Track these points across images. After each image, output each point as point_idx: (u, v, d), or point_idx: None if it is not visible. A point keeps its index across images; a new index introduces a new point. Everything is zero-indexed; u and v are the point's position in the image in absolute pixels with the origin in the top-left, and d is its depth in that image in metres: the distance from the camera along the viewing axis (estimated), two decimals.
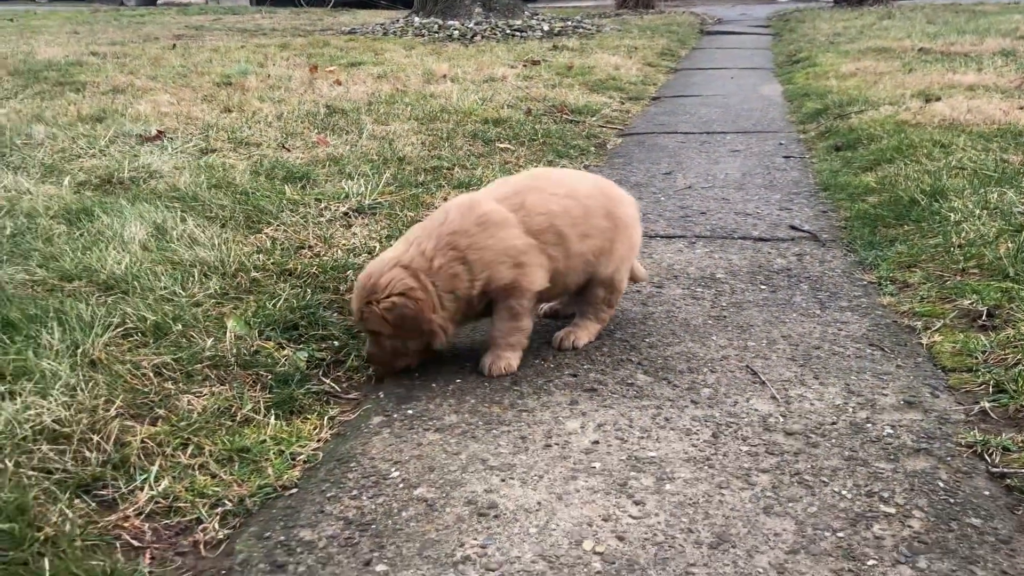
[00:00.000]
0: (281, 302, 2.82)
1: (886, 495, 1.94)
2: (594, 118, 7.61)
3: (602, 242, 2.70)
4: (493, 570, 1.72)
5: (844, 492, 1.96)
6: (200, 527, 1.88)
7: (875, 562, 1.72)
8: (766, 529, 1.83)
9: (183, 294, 2.81)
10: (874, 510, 1.89)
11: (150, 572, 1.73)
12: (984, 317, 2.83)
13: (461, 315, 2.59)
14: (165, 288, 2.84)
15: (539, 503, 1.95)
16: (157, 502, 1.93)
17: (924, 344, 2.76)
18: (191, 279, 2.93)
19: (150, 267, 2.96)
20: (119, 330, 2.50)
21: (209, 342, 2.51)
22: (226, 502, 1.96)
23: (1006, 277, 3.05)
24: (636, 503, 1.94)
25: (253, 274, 3.04)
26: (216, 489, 1.99)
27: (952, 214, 3.76)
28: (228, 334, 2.56)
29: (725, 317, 3.05)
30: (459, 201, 2.63)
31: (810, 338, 2.84)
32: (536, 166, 5.52)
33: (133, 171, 4.29)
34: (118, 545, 1.79)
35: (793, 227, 4.21)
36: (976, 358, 2.58)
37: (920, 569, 1.69)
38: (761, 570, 1.70)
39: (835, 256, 3.71)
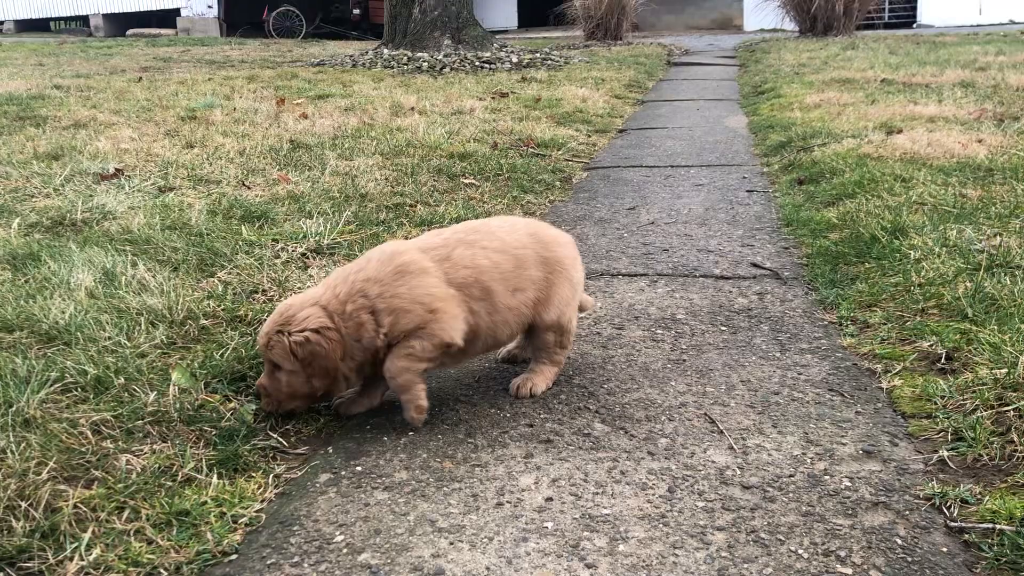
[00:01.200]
0: (229, 352, 2.75)
1: (843, 554, 1.90)
2: (560, 151, 7.61)
3: (537, 293, 2.66)
4: None
5: (800, 551, 1.91)
6: None
7: None
8: None
9: (128, 344, 2.73)
10: (831, 570, 1.84)
11: None
12: (943, 360, 2.81)
13: (368, 366, 2.54)
14: (109, 338, 2.76)
15: (487, 568, 1.88)
16: (87, 573, 1.84)
17: (884, 388, 2.73)
18: (137, 328, 2.85)
19: (95, 316, 2.88)
20: (57, 385, 2.42)
21: (151, 396, 2.43)
22: (162, 571, 1.88)
23: (964, 318, 3.04)
24: (588, 566, 1.88)
25: (202, 321, 2.97)
26: (152, 556, 1.91)
27: (912, 252, 3.76)
28: (172, 387, 2.48)
29: (684, 361, 3.01)
30: (382, 249, 2.60)
31: (769, 383, 2.80)
32: (501, 202, 5.50)
33: (86, 212, 4.21)
34: None
35: (755, 264, 4.20)
36: (935, 403, 2.55)
37: None
38: None
39: (796, 295, 3.69)
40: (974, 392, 2.52)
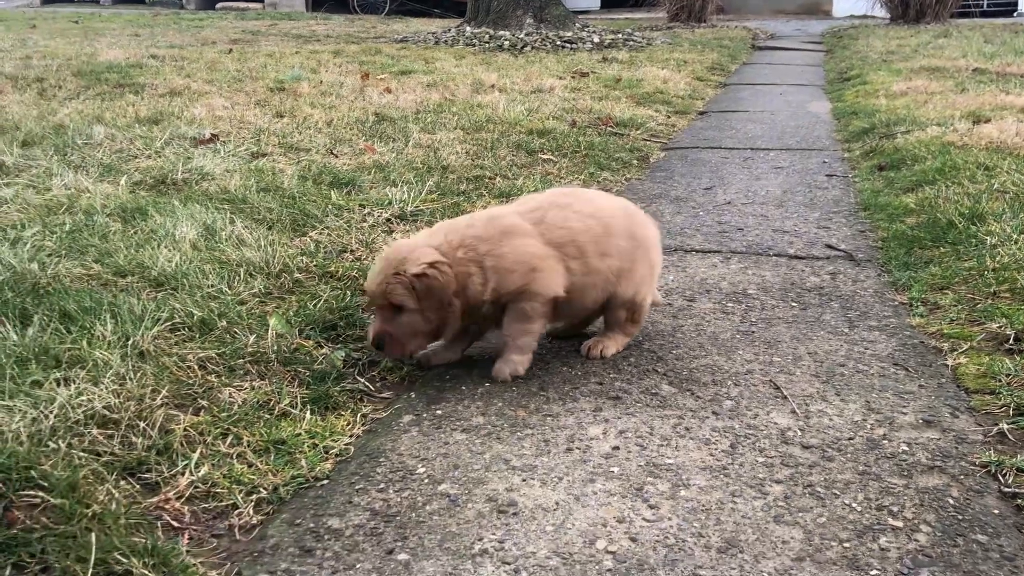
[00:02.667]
0: (321, 303, 2.94)
1: (895, 509, 1.99)
2: (639, 131, 7.67)
3: (622, 262, 2.78)
4: (509, 563, 1.80)
5: (854, 505, 2.01)
6: (236, 512, 1.99)
7: (878, 572, 1.77)
8: (775, 537, 1.90)
9: (229, 292, 2.94)
10: (882, 523, 1.94)
11: (188, 551, 1.84)
12: (1011, 341, 2.85)
13: (467, 318, 2.68)
14: (212, 286, 2.97)
15: (557, 503, 2.03)
16: (196, 487, 2.04)
17: (949, 365, 2.79)
18: (237, 278, 3.06)
19: (199, 265, 3.10)
20: (167, 324, 2.64)
21: (251, 339, 2.64)
22: (261, 490, 2.07)
23: None
24: (651, 507, 2.01)
25: (296, 275, 3.17)
26: (252, 477, 2.10)
27: (989, 238, 3.77)
28: (270, 332, 2.68)
29: (753, 332, 3.10)
30: (484, 212, 2.78)
31: (836, 356, 2.88)
32: (578, 177, 5.61)
33: (186, 172, 4.46)
34: (159, 525, 1.90)
35: (829, 246, 4.24)
36: (999, 381, 2.61)
37: None
38: (766, 575, 1.77)
39: (869, 276, 3.74)
40: None
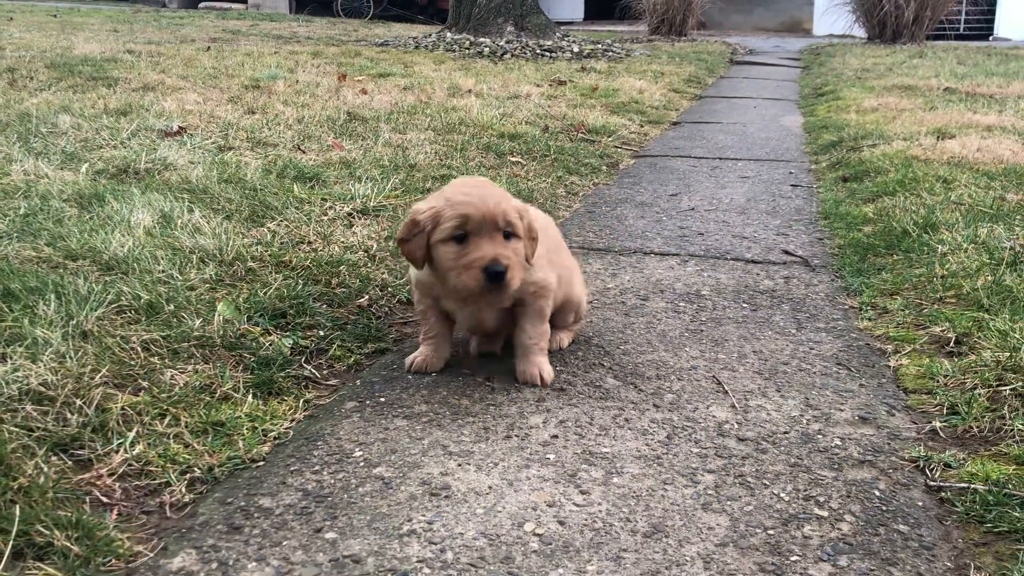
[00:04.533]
0: (272, 291, 2.94)
1: (822, 500, 2.02)
2: (611, 138, 7.72)
3: (572, 261, 2.83)
4: (435, 543, 1.81)
5: (782, 495, 2.04)
6: (168, 490, 1.99)
7: (798, 558, 1.80)
8: (701, 523, 1.92)
9: (179, 278, 2.94)
10: (807, 512, 1.97)
11: (115, 526, 1.84)
12: (952, 344, 2.90)
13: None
14: (163, 271, 2.97)
15: (490, 487, 2.04)
16: (130, 465, 2.04)
17: (891, 366, 2.83)
18: (189, 264, 3.06)
19: (151, 251, 3.10)
20: (113, 306, 2.63)
21: (198, 323, 2.64)
22: (196, 470, 2.07)
23: (980, 307, 3.12)
24: (582, 493, 2.03)
25: (250, 263, 3.17)
26: (188, 457, 2.10)
27: (940, 246, 3.83)
28: (217, 317, 2.68)
29: (702, 331, 3.13)
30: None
31: (781, 355, 2.92)
32: (545, 180, 5.64)
33: (149, 163, 4.45)
34: (87, 500, 1.90)
35: (786, 251, 4.29)
36: (937, 381, 2.65)
37: (840, 567, 1.77)
38: (689, 559, 1.79)
39: (822, 281, 3.79)
40: (975, 372, 2.61)
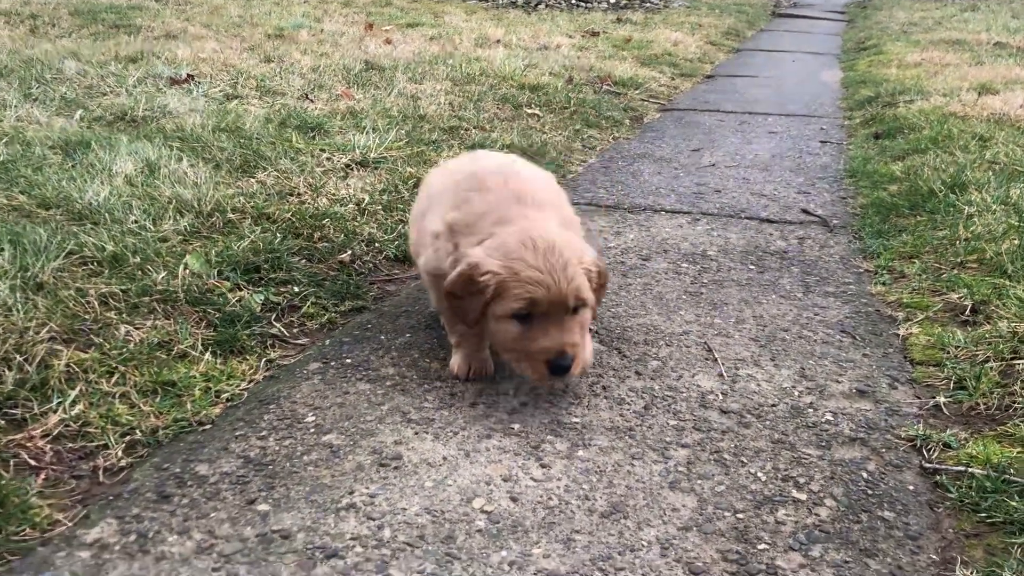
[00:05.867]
0: (246, 243, 2.81)
1: (802, 481, 1.86)
2: (638, 91, 7.47)
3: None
4: (374, 519, 1.69)
5: (760, 474, 1.88)
6: (104, 453, 1.88)
7: (766, 546, 1.64)
8: (665, 503, 1.77)
9: (152, 229, 2.82)
10: (784, 495, 1.81)
11: (39, 491, 1.73)
12: (968, 312, 2.70)
13: None
14: (136, 222, 2.85)
15: (445, 458, 1.91)
16: (67, 425, 1.93)
17: (900, 335, 2.64)
18: (165, 215, 2.94)
19: (127, 200, 2.98)
20: (75, 258, 2.52)
21: (162, 276, 2.51)
22: (138, 432, 1.95)
23: (1003, 274, 2.90)
24: (542, 466, 1.89)
25: (229, 215, 3.04)
26: (131, 419, 1.99)
27: (967, 207, 3.59)
28: (182, 270, 2.56)
29: (701, 294, 2.96)
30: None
31: (782, 320, 2.74)
32: (562, 133, 5.44)
33: (148, 110, 4.33)
34: (12, 463, 1.80)
35: (805, 211, 4.07)
36: (947, 352, 2.46)
37: (812, 557, 1.62)
38: (645, 543, 1.64)
39: (839, 242, 3.58)
40: (989, 344, 2.42)
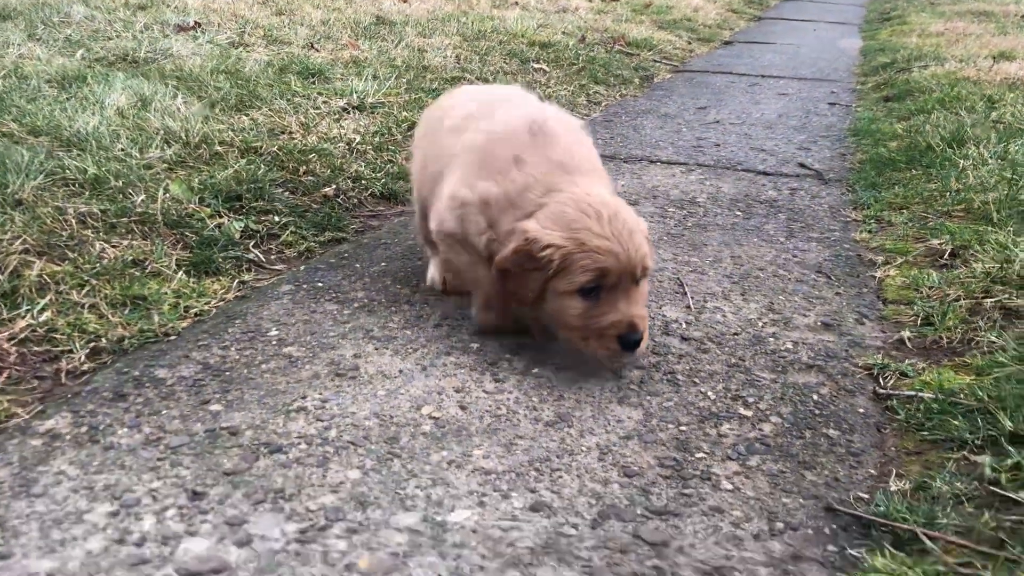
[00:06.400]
0: (229, 172, 2.84)
1: (751, 400, 1.87)
2: (651, 52, 7.43)
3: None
4: (323, 421, 1.71)
5: (710, 393, 1.89)
6: (68, 357, 1.92)
7: (704, 455, 1.66)
8: (611, 416, 1.79)
9: (137, 157, 2.86)
10: (731, 412, 1.82)
11: (1, 388, 1.77)
12: (947, 256, 2.68)
13: None
14: (122, 149, 2.89)
15: (401, 371, 1.93)
16: (35, 331, 1.97)
17: (877, 277, 2.64)
18: (152, 144, 2.97)
19: (116, 130, 3.01)
20: (57, 179, 2.56)
21: (141, 199, 2.55)
22: (103, 340, 1.99)
23: (988, 222, 2.88)
24: (496, 381, 1.91)
25: (216, 148, 3.07)
26: (99, 327, 2.02)
27: (963, 161, 3.56)
28: (162, 193, 2.59)
29: (684, 235, 2.96)
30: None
31: (759, 260, 2.74)
32: (567, 88, 5.43)
33: (150, 52, 4.36)
34: None
35: (802, 164, 4.05)
36: (920, 292, 2.45)
37: (748, 466, 1.63)
38: (585, 448, 1.66)
39: (831, 194, 3.56)
40: (962, 284, 2.40)
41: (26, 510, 1.40)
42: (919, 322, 2.28)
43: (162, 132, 3.07)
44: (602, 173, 2.14)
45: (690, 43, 8.60)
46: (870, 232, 3.05)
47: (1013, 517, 1.41)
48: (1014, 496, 1.45)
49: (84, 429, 1.65)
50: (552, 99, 5.03)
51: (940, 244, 2.78)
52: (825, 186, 3.68)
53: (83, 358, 1.92)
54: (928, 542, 1.38)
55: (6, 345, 1.92)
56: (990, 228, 2.78)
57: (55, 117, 3.06)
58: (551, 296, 1.92)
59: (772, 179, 3.77)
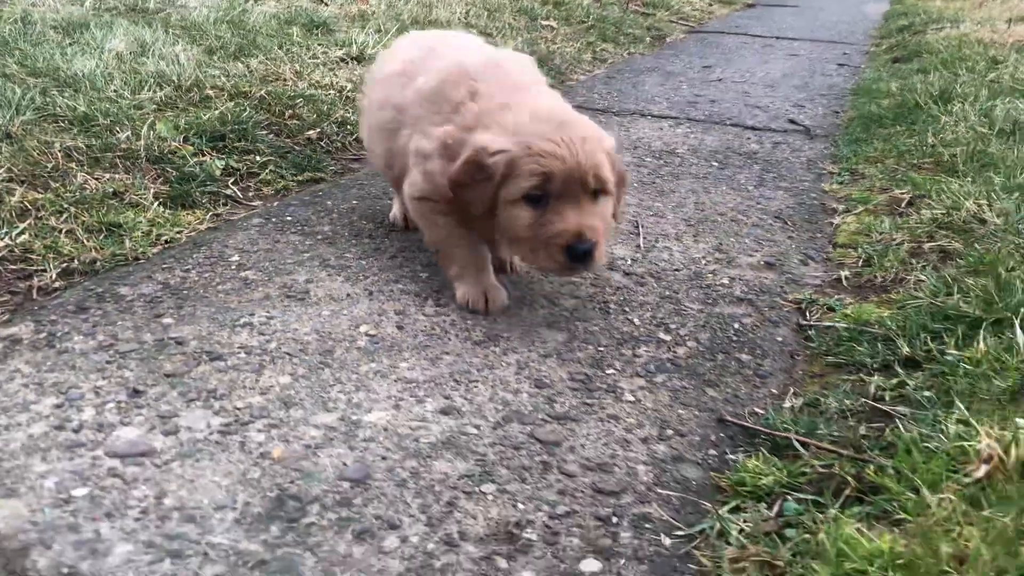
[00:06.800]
0: (215, 113, 2.96)
1: (673, 327, 1.97)
2: (668, 12, 7.43)
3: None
4: (265, 335, 1.84)
5: (636, 320, 1.99)
6: (40, 275, 2.06)
7: (615, 372, 1.76)
8: (538, 337, 1.89)
9: (128, 97, 2.99)
10: (651, 336, 1.92)
11: None
12: (904, 205, 2.74)
13: None
14: (115, 91, 3.02)
15: (348, 295, 2.05)
16: (11, 251, 2.11)
17: (834, 223, 2.70)
18: (145, 87, 3.10)
19: (111, 73, 3.15)
20: (47, 114, 2.70)
21: (125, 135, 2.68)
22: (76, 262, 2.13)
23: (954, 173, 2.93)
24: (438, 305, 2.02)
25: (207, 91, 3.19)
26: (73, 251, 2.16)
27: (946, 117, 3.59)
28: (147, 131, 2.72)
29: (655, 183, 3.04)
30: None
31: (721, 207, 2.81)
32: (573, 46, 5.48)
33: (160, 3, 4.49)
34: None
35: (792, 120, 4.10)
36: (870, 237, 2.52)
37: (654, 383, 1.73)
38: (505, 364, 1.77)
39: (813, 148, 3.61)
40: (909, 229, 2.47)
41: None
42: (860, 264, 2.35)
43: (155, 76, 3.19)
44: (558, 96, 2.14)
45: (711, 4, 8.58)
46: (841, 183, 3.11)
47: (881, 426, 1.50)
48: (889, 410, 1.54)
49: (43, 335, 1.79)
50: (555, 54, 5.10)
51: (902, 193, 2.83)
52: (810, 141, 3.73)
53: (54, 276, 2.06)
54: (801, 448, 1.48)
55: None
56: (953, 180, 2.83)
57: (54, 60, 3.20)
58: (501, 207, 1.86)
59: (758, 134, 3.82)
